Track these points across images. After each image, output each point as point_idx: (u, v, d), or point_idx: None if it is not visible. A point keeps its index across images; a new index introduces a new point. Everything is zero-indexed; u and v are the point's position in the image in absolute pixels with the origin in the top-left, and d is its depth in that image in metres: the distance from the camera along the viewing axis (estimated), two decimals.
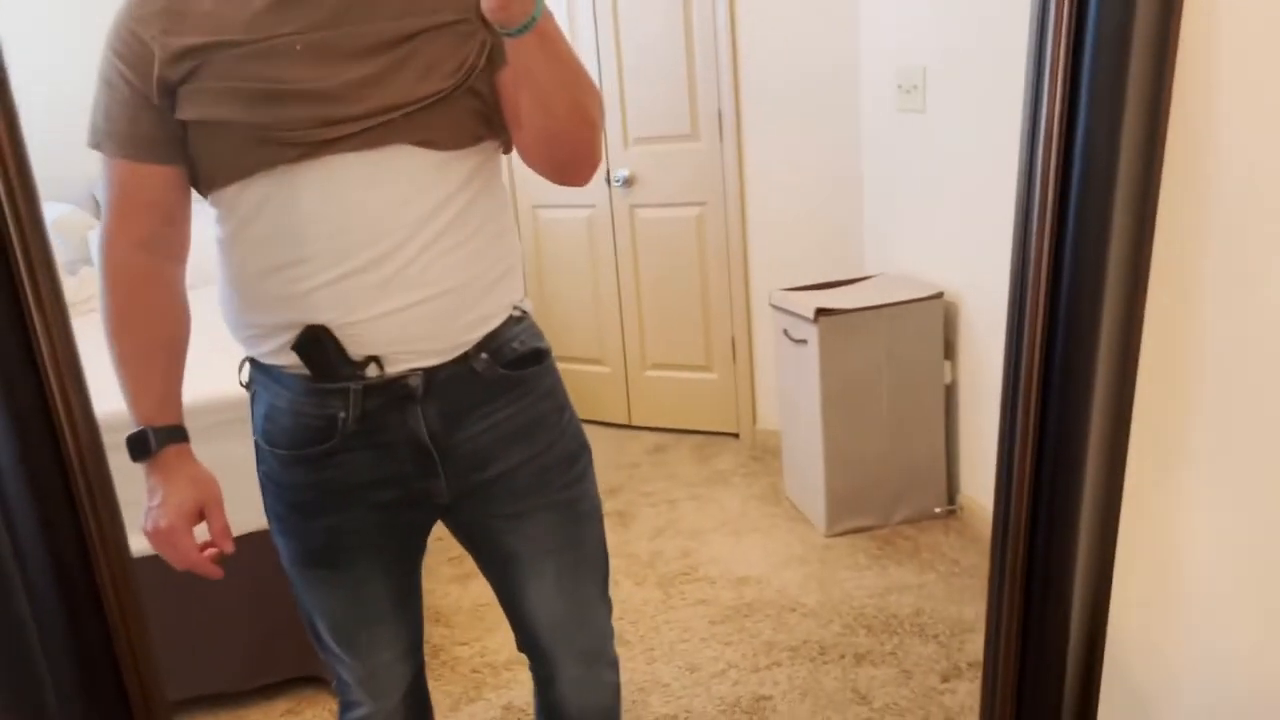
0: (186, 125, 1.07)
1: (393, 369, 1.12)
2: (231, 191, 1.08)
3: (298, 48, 1.03)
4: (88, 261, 3.36)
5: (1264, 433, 0.98)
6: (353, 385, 1.11)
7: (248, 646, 2.14)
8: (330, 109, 1.03)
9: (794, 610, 2.37)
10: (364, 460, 1.16)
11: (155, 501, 1.15)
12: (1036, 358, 0.96)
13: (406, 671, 1.34)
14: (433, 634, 2.38)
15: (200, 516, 1.17)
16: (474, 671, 2.23)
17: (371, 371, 1.11)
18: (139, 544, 2.03)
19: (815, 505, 2.78)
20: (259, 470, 1.23)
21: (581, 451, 1.28)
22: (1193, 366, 1.02)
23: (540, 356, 1.23)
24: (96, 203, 3.71)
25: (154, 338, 1.16)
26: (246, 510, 2.02)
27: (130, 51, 1.05)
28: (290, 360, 1.12)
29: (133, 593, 0.93)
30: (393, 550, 1.26)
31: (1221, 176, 0.95)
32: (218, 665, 2.13)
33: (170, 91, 1.05)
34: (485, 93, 1.11)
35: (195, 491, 1.16)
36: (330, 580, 1.24)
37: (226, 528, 1.19)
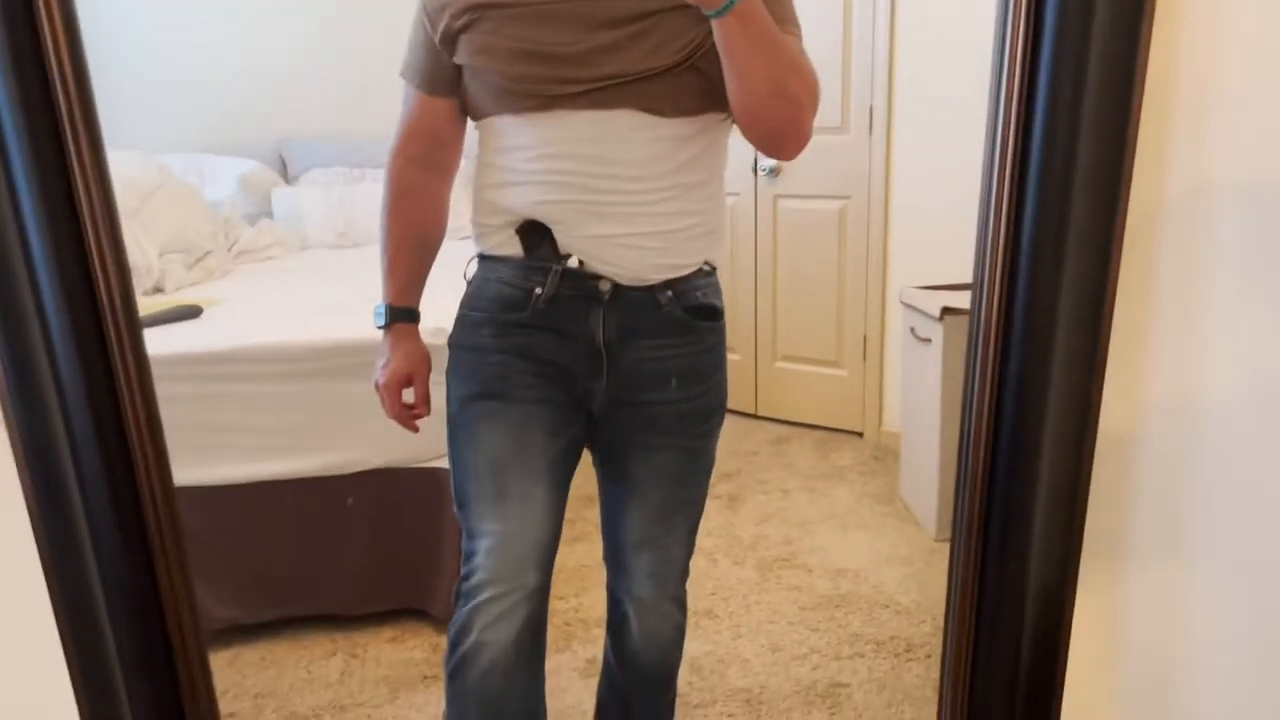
0: (460, 67, 1.28)
1: (591, 268, 1.27)
2: (486, 124, 1.31)
3: (554, 14, 1.20)
4: (268, 215, 3.65)
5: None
6: (555, 266, 1.27)
7: (363, 576, 2.30)
8: (567, 69, 1.20)
9: (887, 607, 2.34)
10: (546, 341, 1.30)
11: (380, 363, 1.41)
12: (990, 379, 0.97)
13: (535, 569, 1.30)
14: None
15: (409, 382, 1.42)
16: (566, 624, 2.32)
17: (573, 262, 1.27)
18: (277, 468, 2.21)
19: (927, 507, 2.73)
20: (450, 343, 1.38)
21: (719, 409, 1.42)
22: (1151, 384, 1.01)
23: (716, 314, 1.37)
24: (282, 160, 4.01)
25: (410, 235, 1.41)
26: (372, 448, 2.19)
27: (433, 3, 1.27)
28: (512, 249, 1.30)
29: (177, 526, 1.05)
30: (555, 423, 1.32)
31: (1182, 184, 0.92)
32: (334, 589, 2.29)
33: (452, 40, 1.26)
34: (710, 71, 1.21)
35: (409, 362, 1.41)
36: (497, 413, 1.31)
37: (427, 395, 1.44)
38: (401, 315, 1.41)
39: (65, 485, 0.97)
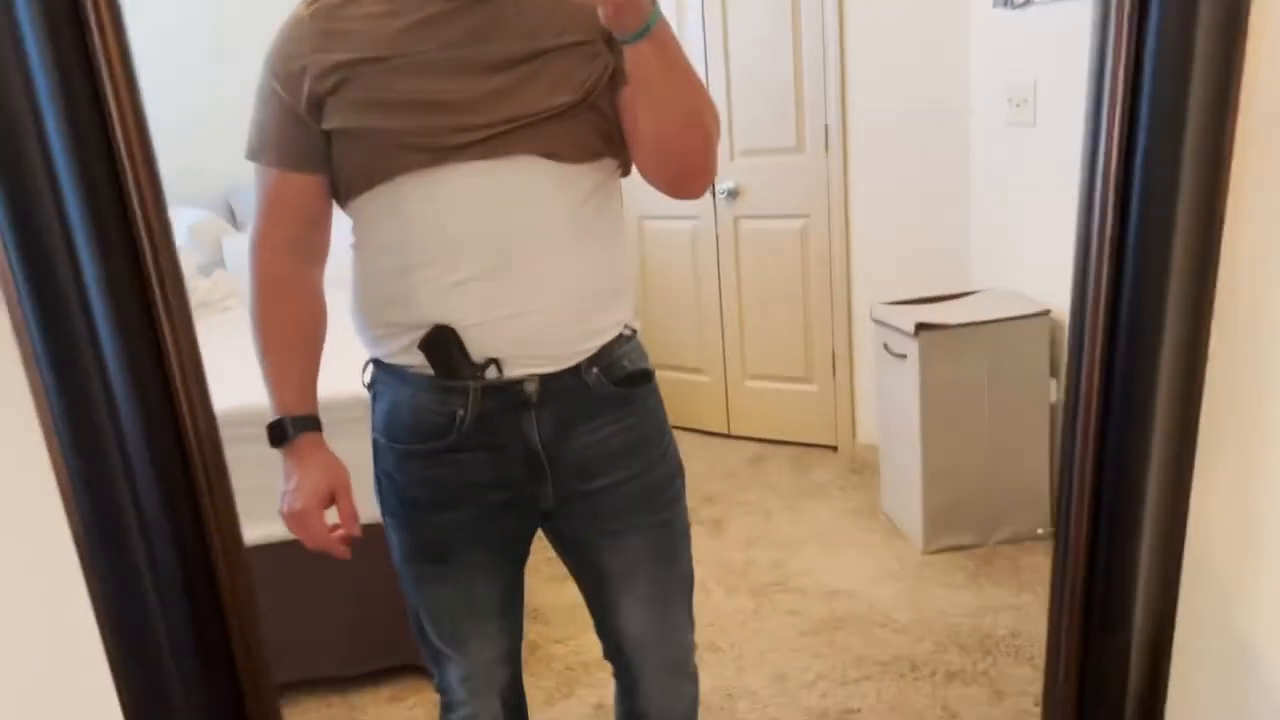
0: (330, 136, 1.16)
1: (511, 373, 1.18)
2: (366, 198, 1.17)
3: (436, 62, 1.12)
4: (221, 264, 3.57)
5: None
6: (473, 384, 1.18)
7: (356, 634, 2.25)
8: (461, 117, 1.12)
9: (885, 625, 2.36)
10: (478, 460, 1.22)
11: (290, 485, 1.24)
12: (1096, 378, 0.96)
13: (506, 674, 1.40)
14: (529, 630, 2.45)
15: (331, 501, 1.26)
16: (568, 669, 2.29)
17: (491, 373, 1.18)
18: (256, 533, 2.17)
19: (912, 521, 2.76)
20: (376, 468, 1.31)
21: (678, 474, 1.35)
22: (1261, 385, 1.00)
23: (648, 377, 1.29)
24: (231, 209, 3.93)
25: (294, 333, 1.26)
26: (360, 503, 2.14)
27: (285, 70, 1.15)
28: (415, 359, 1.20)
29: (245, 576, 1.01)
30: (500, 551, 1.32)
31: None
32: (327, 650, 2.24)
33: (318, 105, 1.15)
34: (607, 111, 1.17)
35: (327, 477, 1.25)
36: (440, 575, 1.30)
37: (354, 512, 1.28)
38: (305, 425, 1.24)
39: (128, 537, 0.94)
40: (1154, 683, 1.09)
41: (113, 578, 0.95)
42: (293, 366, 1.26)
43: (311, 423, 1.25)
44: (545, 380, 1.19)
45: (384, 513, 1.32)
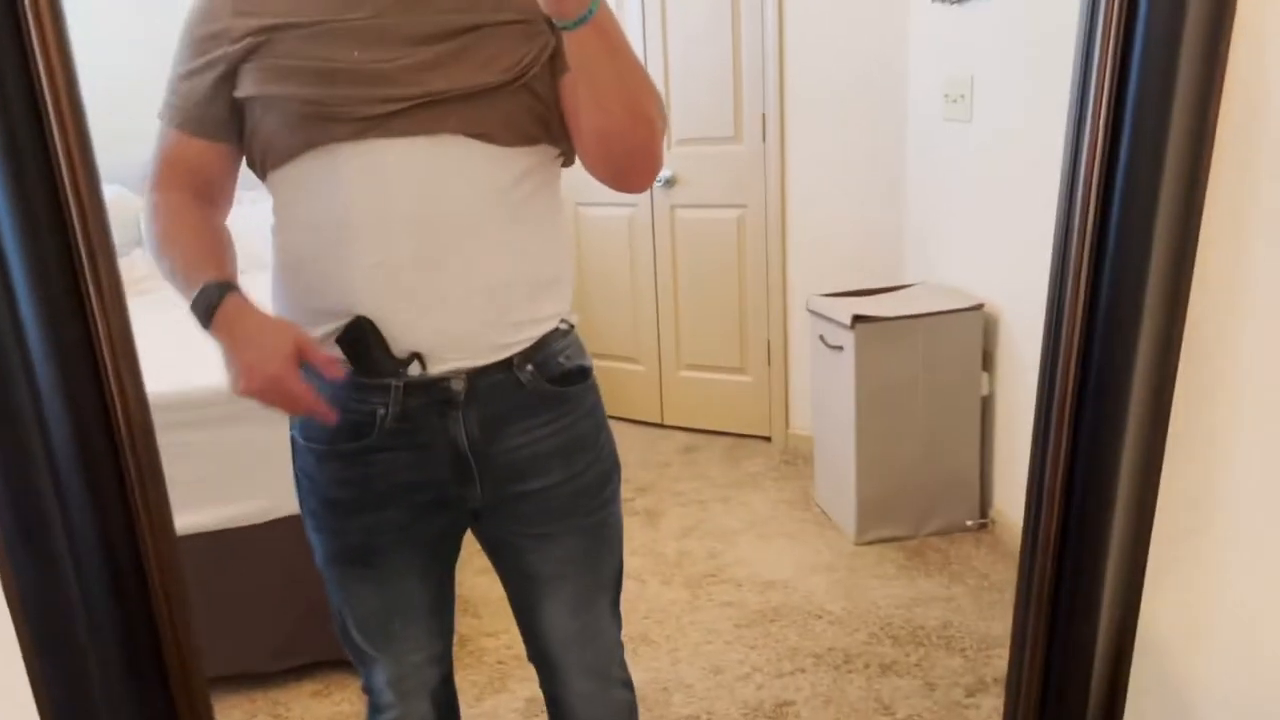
0: (244, 104, 1.09)
1: (435, 368, 1.12)
2: (282, 173, 1.10)
3: (361, 30, 1.06)
4: (138, 243, 3.42)
5: None
6: (394, 382, 1.11)
7: (278, 628, 2.18)
8: (384, 89, 1.05)
9: (820, 617, 2.36)
10: (401, 461, 1.16)
11: (246, 354, 1.04)
12: (1072, 370, 0.95)
13: (436, 674, 1.34)
14: (461, 624, 2.40)
15: (299, 355, 1.06)
16: (500, 663, 2.25)
17: (414, 369, 1.11)
18: (181, 522, 2.09)
19: (845, 513, 2.77)
20: (294, 466, 1.24)
21: (614, 472, 1.29)
22: (1233, 381, 1.01)
23: (585, 374, 1.24)
24: None
25: (204, 235, 1.13)
26: (278, 495, 2.07)
27: (204, 30, 1.09)
28: (334, 353, 1.12)
29: (177, 569, 0.96)
30: (427, 551, 1.26)
31: (1271, 188, 0.95)
32: (249, 645, 2.16)
33: (233, 69, 1.08)
34: (544, 94, 1.11)
35: (285, 330, 1.07)
36: (364, 578, 1.24)
37: (330, 357, 1.09)
38: (231, 288, 1.07)
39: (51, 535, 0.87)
40: (1116, 675, 1.09)
41: (32, 569, 0.88)
42: (207, 250, 1.11)
43: (235, 289, 1.08)
44: (473, 376, 1.13)
45: (304, 513, 1.25)
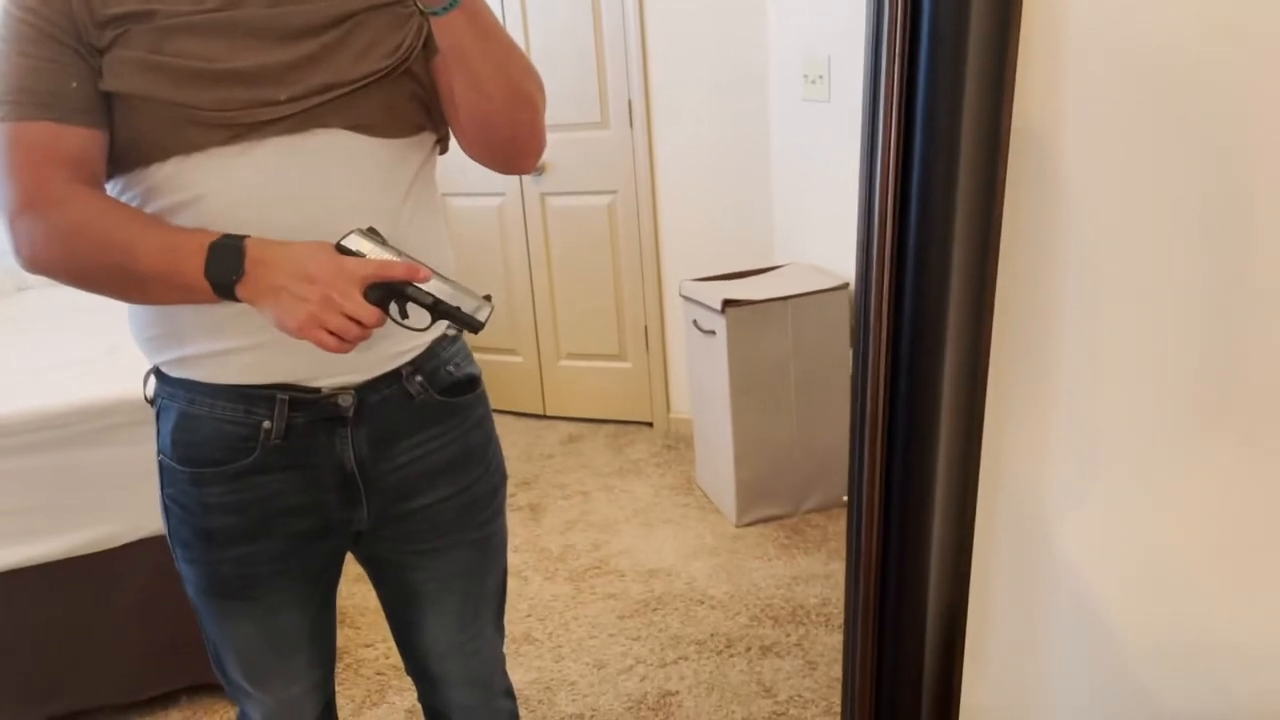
0: (110, 96, 0.97)
1: (322, 383, 1.05)
2: (150, 173, 0.98)
3: (223, 24, 0.96)
4: None
5: (1117, 394, 1.01)
6: (279, 395, 1.04)
7: (141, 656, 2.07)
8: (261, 91, 0.97)
9: (702, 603, 2.37)
10: (284, 483, 1.08)
11: (303, 292, 0.91)
12: (884, 341, 0.97)
13: (317, 702, 1.27)
14: (338, 635, 2.32)
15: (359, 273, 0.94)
16: (379, 674, 2.19)
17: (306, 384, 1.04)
18: (14, 555, 1.95)
19: (726, 496, 2.79)
20: (163, 494, 1.13)
21: (502, 483, 1.26)
22: (1046, 331, 1.05)
23: (475, 383, 1.19)
24: None
25: (164, 223, 0.98)
26: (129, 519, 1.96)
27: (49, 8, 0.93)
28: (212, 372, 1.04)
29: None
30: (307, 580, 1.17)
31: (1066, 176, 0.97)
32: (108, 676, 2.05)
33: (97, 55, 0.95)
34: (423, 77, 1.06)
35: (336, 252, 0.95)
36: (240, 611, 1.15)
37: (406, 263, 0.97)
38: (241, 236, 0.95)
39: None
40: (950, 643, 1.11)
41: None
42: (170, 225, 0.98)
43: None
44: (361, 391, 1.07)
45: (173, 543, 1.15)
